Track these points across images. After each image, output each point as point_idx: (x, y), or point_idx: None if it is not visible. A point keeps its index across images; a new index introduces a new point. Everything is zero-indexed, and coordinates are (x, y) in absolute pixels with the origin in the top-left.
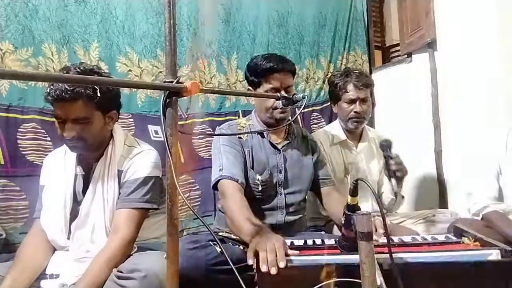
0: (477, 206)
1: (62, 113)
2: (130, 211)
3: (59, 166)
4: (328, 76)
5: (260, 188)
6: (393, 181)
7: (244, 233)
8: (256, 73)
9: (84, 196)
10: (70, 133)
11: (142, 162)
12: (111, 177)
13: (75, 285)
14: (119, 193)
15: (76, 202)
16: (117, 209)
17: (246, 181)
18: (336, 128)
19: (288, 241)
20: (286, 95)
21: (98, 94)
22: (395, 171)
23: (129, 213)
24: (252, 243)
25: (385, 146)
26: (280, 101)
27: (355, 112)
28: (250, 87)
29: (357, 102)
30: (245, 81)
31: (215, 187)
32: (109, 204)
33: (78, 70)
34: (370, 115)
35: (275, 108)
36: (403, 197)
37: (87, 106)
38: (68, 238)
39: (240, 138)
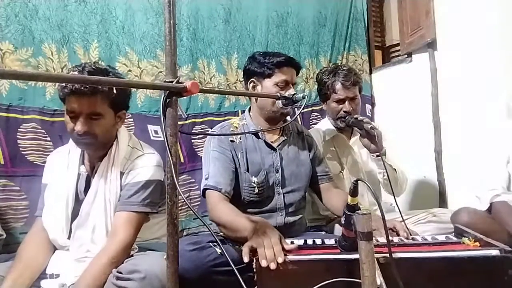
0: (492, 192)
1: (77, 107)
2: (129, 214)
3: (62, 165)
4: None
5: (256, 190)
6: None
7: (241, 229)
8: (271, 64)
9: (85, 195)
10: (82, 128)
11: (143, 165)
12: (113, 178)
13: (73, 287)
14: (120, 195)
15: (78, 202)
16: (117, 212)
17: (243, 184)
18: (326, 125)
19: (288, 241)
20: (286, 94)
21: (114, 91)
22: (365, 127)
23: (128, 216)
24: (249, 241)
25: (345, 117)
26: (280, 101)
27: (344, 111)
28: (253, 79)
29: (346, 102)
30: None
31: (204, 194)
32: (112, 205)
33: (94, 68)
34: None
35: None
36: (395, 170)
37: (102, 102)
38: (69, 238)
39: (233, 141)
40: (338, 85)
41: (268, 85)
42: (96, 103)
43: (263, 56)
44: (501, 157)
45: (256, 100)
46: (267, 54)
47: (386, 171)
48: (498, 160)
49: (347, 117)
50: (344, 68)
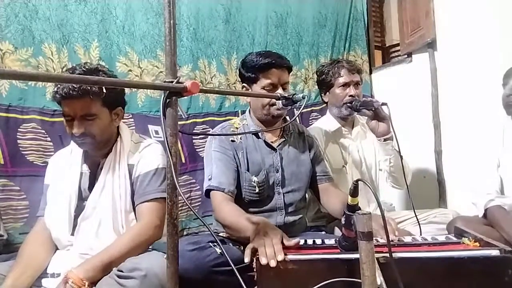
0: (487, 197)
1: (70, 110)
2: (149, 203)
3: (64, 165)
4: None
5: (257, 190)
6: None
7: (244, 229)
8: (254, 68)
9: (90, 192)
10: (79, 130)
11: (151, 154)
12: (121, 172)
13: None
14: (132, 189)
15: (81, 199)
16: (137, 205)
17: (243, 184)
18: (328, 120)
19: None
20: (285, 94)
21: (104, 91)
22: (375, 106)
23: (149, 205)
24: (251, 242)
25: (351, 102)
26: (280, 101)
27: (350, 96)
28: (245, 84)
29: (351, 86)
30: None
31: (207, 195)
32: (121, 199)
33: (84, 69)
34: None
35: (273, 105)
36: (401, 157)
37: (94, 102)
38: (73, 234)
39: (234, 141)
40: (343, 70)
41: (257, 89)
42: (88, 105)
43: (251, 59)
44: (491, 161)
45: (250, 103)
46: (256, 55)
47: (399, 151)
48: (489, 164)
49: (353, 102)
50: (345, 59)
